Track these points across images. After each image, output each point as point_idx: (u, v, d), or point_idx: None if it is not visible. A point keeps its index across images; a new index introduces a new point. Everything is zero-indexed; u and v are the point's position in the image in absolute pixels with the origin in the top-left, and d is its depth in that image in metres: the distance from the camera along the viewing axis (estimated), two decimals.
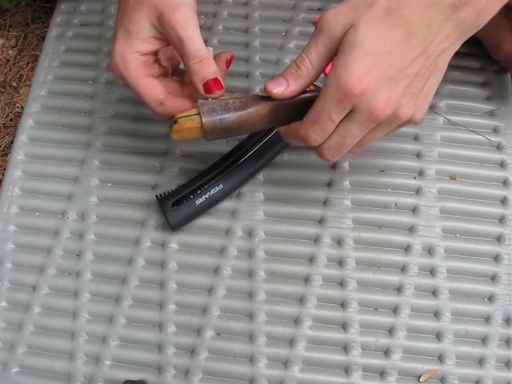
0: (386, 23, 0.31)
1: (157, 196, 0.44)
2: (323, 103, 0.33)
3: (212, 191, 0.43)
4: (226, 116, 0.36)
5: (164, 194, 0.44)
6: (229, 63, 0.41)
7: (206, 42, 0.52)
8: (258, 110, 0.36)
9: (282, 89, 0.35)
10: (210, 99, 0.36)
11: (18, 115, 0.55)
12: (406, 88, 0.32)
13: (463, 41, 0.33)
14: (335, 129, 0.34)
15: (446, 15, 0.31)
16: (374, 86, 0.31)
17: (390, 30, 0.31)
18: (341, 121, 0.33)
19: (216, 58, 0.40)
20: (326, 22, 0.32)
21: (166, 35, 0.37)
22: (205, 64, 0.36)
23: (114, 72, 0.38)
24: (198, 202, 0.43)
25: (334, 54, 0.33)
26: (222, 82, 0.37)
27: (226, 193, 0.44)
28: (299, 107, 0.36)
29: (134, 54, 0.37)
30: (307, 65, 0.34)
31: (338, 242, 0.44)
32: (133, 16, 0.37)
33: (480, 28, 0.33)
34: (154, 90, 0.38)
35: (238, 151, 0.45)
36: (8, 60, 0.59)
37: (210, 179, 0.44)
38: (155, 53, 0.39)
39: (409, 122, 0.34)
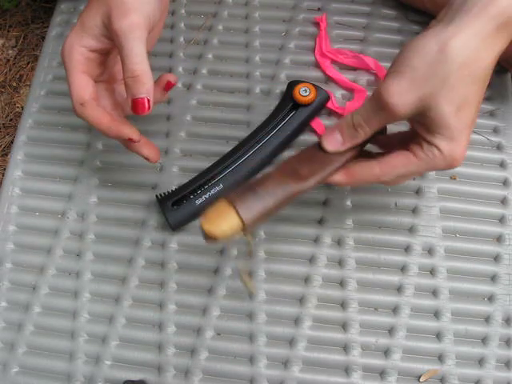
0: (467, 87, 0.32)
1: (157, 196, 0.44)
2: (419, 168, 0.35)
3: (212, 191, 0.43)
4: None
5: (164, 194, 0.44)
6: (168, 87, 0.40)
7: (206, 42, 0.52)
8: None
9: (337, 146, 0.36)
10: None
11: (18, 115, 0.56)
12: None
13: None
14: None
15: (496, 56, 0.32)
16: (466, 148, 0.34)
17: (468, 94, 0.32)
18: None
19: (158, 78, 0.40)
20: (391, 103, 0.32)
21: (112, 38, 0.36)
22: (138, 81, 0.35)
23: (62, 61, 0.38)
24: (198, 202, 0.43)
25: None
26: (150, 104, 0.36)
27: (226, 193, 0.44)
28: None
29: (82, 47, 0.37)
30: (366, 131, 0.35)
31: (338, 242, 0.44)
32: (91, 10, 0.36)
33: None
34: (82, 88, 0.37)
35: (237, 151, 0.45)
36: (8, 60, 0.59)
37: (209, 179, 0.44)
38: (106, 53, 0.39)
39: None
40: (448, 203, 0.45)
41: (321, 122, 0.47)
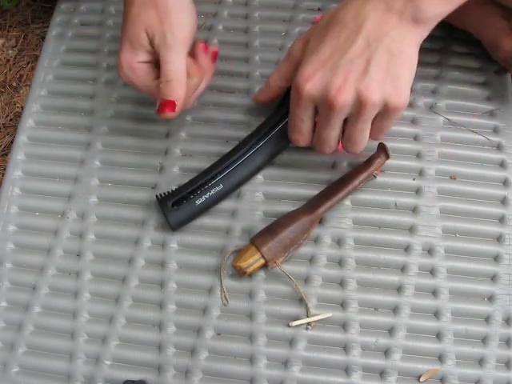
0: (326, 30, 0.37)
1: (157, 196, 0.44)
2: (291, 108, 0.39)
3: (212, 191, 0.43)
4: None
5: (164, 194, 0.44)
6: (214, 57, 0.45)
7: (206, 42, 0.52)
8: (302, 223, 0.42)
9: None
10: None
11: (18, 115, 0.55)
12: (355, 72, 0.35)
13: (416, 28, 0.35)
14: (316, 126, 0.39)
15: (376, 5, 0.35)
16: (322, 79, 0.36)
17: (328, 33, 0.36)
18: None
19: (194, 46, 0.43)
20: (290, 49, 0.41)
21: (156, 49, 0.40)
22: (170, 85, 0.39)
23: (124, 80, 0.41)
24: (198, 202, 0.43)
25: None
26: (175, 108, 0.40)
27: (226, 193, 0.44)
28: None
29: (139, 63, 0.40)
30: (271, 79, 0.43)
31: (338, 242, 0.44)
32: (134, 28, 0.39)
33: (436, 20, 0.36)
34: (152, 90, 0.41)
35: (237, 151, 0.45)
36: (8, 60, 0.59)
37: (209, 179, 0.44)
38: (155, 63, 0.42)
39: (386, 108, 0.36)
40: (448, 203, 0.45)
41: None
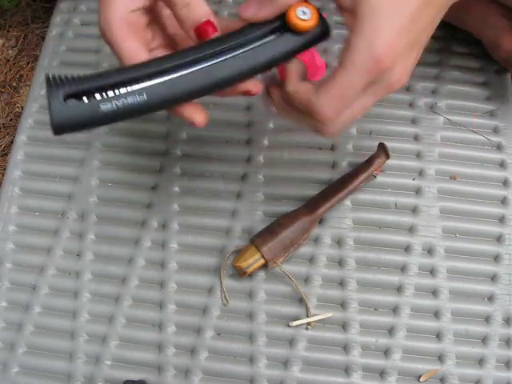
0: None
1: (49, 78, 0.29)
2: (351, 75, 0.28)
3: (130, 99, 0.29)
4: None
5: (60, 78, 0.29)
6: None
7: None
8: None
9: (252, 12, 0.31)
10: None
11: (18, 115, 0.55)
12: (418, 53, 0.29)
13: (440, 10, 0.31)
14: None
15: None
16: (400, 54, 0.28)
17: None
18: None
19: None
20: None
21: None
22: (192, 6, 0.31)
23: (101, 36, 0.33)
24: (104, 107, 0.29)
25: None
26: (215, 24, 0.31)
27: (150, 108, 0.30)
28: None
29: (118, 11, 0.31)
30: None
31: (338, 242, 0.44)
32: None
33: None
34: (138, 57, 0.31)
35: (183, 56, 0.30)
36: (8, 60, 0.59)
37: (131, 81, 0.29)
38: (149, 12, 0.33)
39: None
40: (448, 203, 0.45)
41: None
